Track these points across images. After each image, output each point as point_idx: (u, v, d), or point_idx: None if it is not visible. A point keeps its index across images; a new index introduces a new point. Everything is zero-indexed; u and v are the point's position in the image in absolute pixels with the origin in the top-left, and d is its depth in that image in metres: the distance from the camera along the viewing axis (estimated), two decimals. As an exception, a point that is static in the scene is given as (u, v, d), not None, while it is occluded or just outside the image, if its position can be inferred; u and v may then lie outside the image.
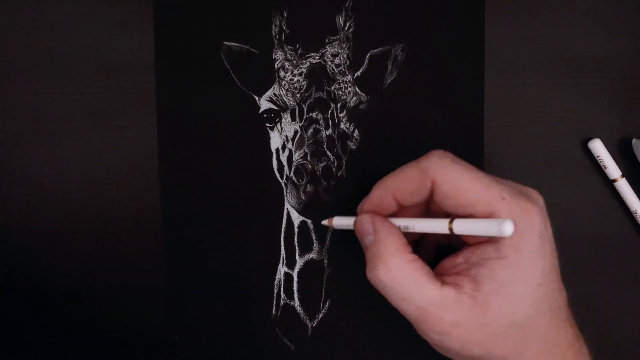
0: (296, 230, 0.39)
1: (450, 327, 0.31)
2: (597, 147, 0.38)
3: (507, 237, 0.29)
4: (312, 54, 0.39)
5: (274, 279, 0.40)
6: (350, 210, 0.39)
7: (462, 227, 0.31)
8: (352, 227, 0.35)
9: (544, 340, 0.31)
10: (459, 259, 0.32)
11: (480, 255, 0.31)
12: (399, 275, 0.31)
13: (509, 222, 0.29)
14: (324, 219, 0.39)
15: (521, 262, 0.30)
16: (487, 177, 0.31)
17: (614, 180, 0.39)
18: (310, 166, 0.39)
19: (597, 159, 0.39)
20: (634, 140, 0.38)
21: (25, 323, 0.40)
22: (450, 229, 0.31)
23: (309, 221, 0.39)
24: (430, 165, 0.32)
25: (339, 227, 0.37)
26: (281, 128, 0.39)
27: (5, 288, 0.40)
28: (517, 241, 0.30)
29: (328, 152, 0.39)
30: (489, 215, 0.30)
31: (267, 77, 0.39)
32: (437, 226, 0.32)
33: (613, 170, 0.39)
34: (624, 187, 0.39)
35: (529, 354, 0.31)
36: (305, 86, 0.39)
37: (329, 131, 0.39)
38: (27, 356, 0.40)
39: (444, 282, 0.31)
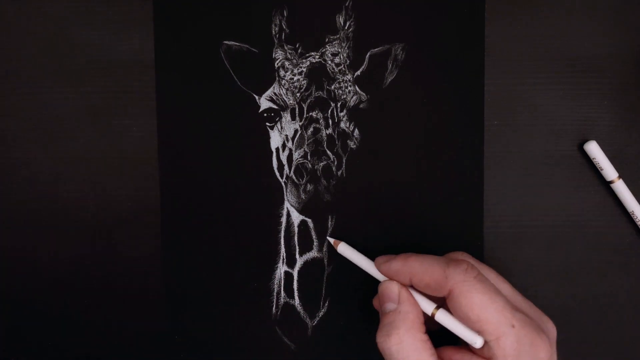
0: (296, 229, 0.39)
1: None
2: (593, 149, 0.38)
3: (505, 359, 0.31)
4: (312, 53, 0.39)
5: (274, 278, 0.40)
6: (350, 210, 0.39)
7: (443, 318, 0.34)
8: (353, 261, 0.38)
9: None
10: (457, 355, 0.34)
11: None
12: (407, 351, 0.33)
13: (481, 339, 0.32)
14: (324, 218, 0.39)
15: None
16: (503, 302, 0.32)
17: (611, 182, 0.39)
18: (310, 165, 0.39)
19: (593, 161, 0.39)
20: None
21: (25, 323, 0.40)
22: (433, 314, 0.34)
23: (309, 220, 0.39)
24: (454, 275, 0.32)
25: (341, 254, 0.38)
26: (281, 127, 0.39)
27: (5, 288, 0.40)
28: None
29: (328, 151, 0.39)
30: (494, 338, 0.32)
31: (267, 76, 0.39)
32: (424, 305, 0.34)
33: (610, 172, 0.39)
34: (621, 189, 0.39)
35: None
36: (305, 85, 0.39)
37: (329, 130, 0.39)
38: (27, 356, 0.40)
39: None
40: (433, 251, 0.39)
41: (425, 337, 0.34)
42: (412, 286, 0.35)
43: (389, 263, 0.35)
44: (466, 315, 0.32)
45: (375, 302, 0.37)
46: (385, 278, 0.35)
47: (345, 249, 0.38)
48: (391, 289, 0.35)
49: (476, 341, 0.32)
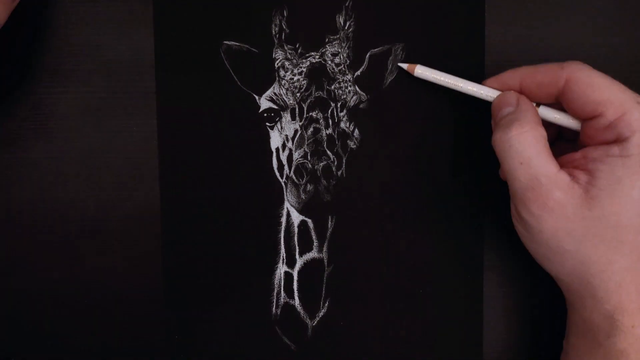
0: (296, 229, 0.39)
1: (555, 204, 0.31)
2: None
3: (634, 136, 0.30)
4: (312, 53, 0.39)
5: (274, 278, 0.40)
6: (351, 210, 0.39)
7: (546, 113, 0.34)
8: (438, 82, 0.37)
9: (634, 255, 0.31)
10: (578, 155, 0.33)
11: (602, 152, 0.31)
12: (527, 140, 0.32)
13: (577, 122, 0.33)
14: (324, 218, 0.39)
15: None
16: (624, 86, 0.32)
17: None
18: (310, 165, 0.39)
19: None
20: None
21: (24, 323, 0.40)
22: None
23: (309, 220, 0.39)
24: (569, 65, 0.32)
25: (419, 76, 0.37)
26: (281, 127, 0.39)
27: (5, 288, 0.40)
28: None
29: (328, 152, 0.39)
30: (619, 116, 0.31)
31: (267, 76, 0.39)
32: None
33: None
34: None
35: (618, 265, 0.31)
36: (305, 85, 0.39)
37: (329, 130, 0.39)
38: (27, 356, 0.40)
39: (563, 167, 0.32)
40: (434, 249, 0.39)
41: (545, 133, 0.32)
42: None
43: (498, 76, 0.35)
44: (587, 99, 0.31)
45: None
46: (492, 97, 0.35)
47: (425, 72, 0.37)
48: (509, 95, 0.34)
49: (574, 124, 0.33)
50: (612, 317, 0.31)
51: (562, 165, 0.32)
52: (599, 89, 0.31)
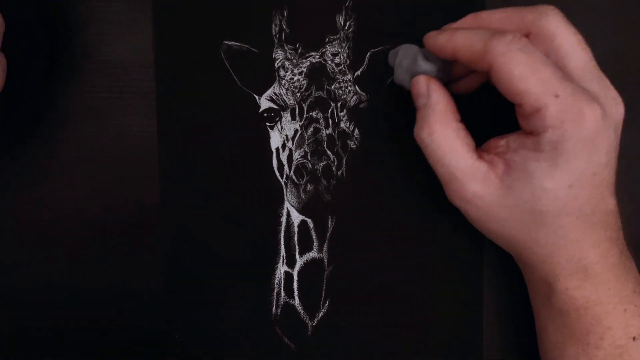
0: (296, 229, 0.39)
1: (472, 196, 0.33)
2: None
3: (547, 132, 0.30)
4: (312, 53, 0.39)
5: (274, 278, 0.40)
6: (351, 210, 0.39)
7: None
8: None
9: (564, 237, 0.32)
10: (502, 142, 0.33)
11: (520, 143, 0.32)
12: (439, 138, 0.33)
13: None
14: (324, 218, 0.39)
15: (556, 160, 0.30)
16: (550, 72, 0.30)
17: None
18: (310, 165, 0.39)
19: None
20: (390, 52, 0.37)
21: (24, 323, 0.40)
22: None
23: (309, 220, 0.39)
24: (493, 48, 0.31)
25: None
26: (281, 127, 0.39)
27: (5, 288, 0.40)
28: (558, 140, 0.30)
29: (328, 151, 0.39)
30: (535, 110, 0.30)
31: (267, 76, 0.39)
32: None
33: None
34: None
35: (544, 242, 0.33)
36: (305, 85, 0.39)
37: (329, 130, 0.39)
38: (27, 356, 0.40)
39: (480, 157, 0.33)
40: (434, 249, 0.39)
41: (457, 125, 0.33)
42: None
43: (436, 37, 0.34)
44: (507, 89, 0.31)
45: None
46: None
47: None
48: (420, 83, 0.35)
49: None
50: (547, 281, 0.34)
51: (488, 150, 0.34)
52: (518, 80, 0.30)
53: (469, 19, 0.35)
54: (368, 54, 0.39)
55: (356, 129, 0.39)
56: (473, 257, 0.40)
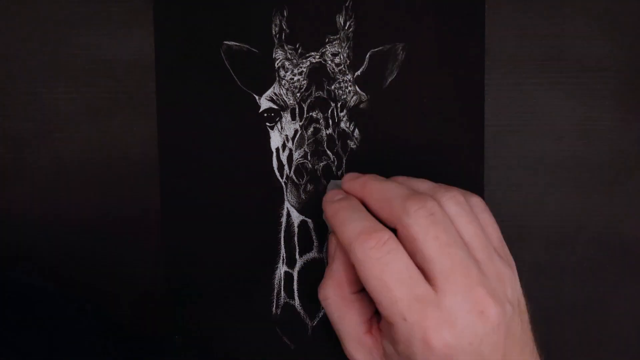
0: (296, 229, 0.39)
1: None
2: None
3: (398, 345, 0.31)
4: (312, 53, 0.39)
5: (274, 278, 0.40)
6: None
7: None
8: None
9: None
10: (385, 329, 0.33)
11: (390, 337, 0.32)
12: (332, 306, 0.35)
13: None
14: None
15: None
16: (404, 291, 0.30)
17: None
18: (310, 165, 0.39)
19: None
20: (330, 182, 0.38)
21: (25, 323, 0.40)
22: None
23: (309, 220, 0.39)
24: (354, 251, 0.31)
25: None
26: (281, 127, 0.39)
27: (5, 288, 0.40)
28: (409, 355, 0.31)
29: (328, 152, 0.39)
30: (389, 323, 0.31)
31: (267, 76, 0.39)
32: None
33: None
34: None
35: None
36: (305, 85, 0.39)
37: (329, 130, 0.39)
38: (27, 356, 0.40)
39: (370, 331, 0.34)
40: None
41: (352, 297, 0.35)
42: None
43: (329, 203, 0.35)
44: (370, 294, 0.31)
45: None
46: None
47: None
48: (330, 243, 0.36)
49: None
50: None
51: (379, 319, 0.34)
52: (372, 291, 0.31)
53: (364, 184, 0.34)
54: (368, 54, 0.39)
55: (356, 129, 0.39)
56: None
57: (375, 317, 0.35)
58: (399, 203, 0.31)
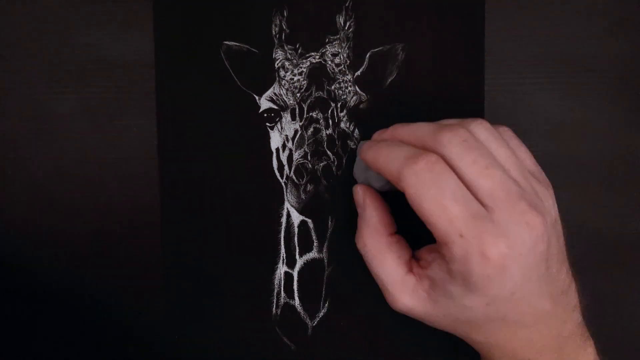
0: (296, 229, 0.39)
1: (404, 307, 0.34)
2: None
3: (453, 264, 0.31)
4: (312, 54, 0.39)
5: (274, 278, 0.40)
6: (350, 210, 0.39)
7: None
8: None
9: (495, 338, 0.34)
10: (429, 256, 0.34)
11: (438, 264, 0.33)
12: (371, 253, 0.35)
13: None
14: (324, 218, 0.39)
15: (468, 286, 0.31)
16: (459, 209, 0.30)
17: None
18: (310, 165, 0.39)
19: None
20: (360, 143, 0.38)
21: (25, 323, 0.40)
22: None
23: (309, 220, 0.39)
24: (405, 177, 0.31)
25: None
26: (281, 127, 0.39)
27: (5, 288, 0.40)
28: (465, 273, 0.31)
29: (328, 152, 0.39)
30: (444, 243, 0.31)
31: (267, 76, 0.39)
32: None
33: None
34: None
35: (481, 342, 0.34)
36: (305, 85, 0.39)
37: (329, 130, 0.39)
38: (27, 356, 0.40)
39: (410, 271, 0.34)
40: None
41: (390, 239, 0.35)
42: None
43: (366, 151, 0.35)
44: (420, 217, 0.31)
45: None
46: None
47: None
48: (357, 194, 0.37)
49: None
50: None
51: (420, 258, 0.35)
52: (426, 214, 0.31)
53: (392, 130, 0.35)
54: (368, 54, 0.39)
55: (356, 129, 0.39)
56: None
57: (413, 259, 0.35)
58: (432, 137, 0.32)
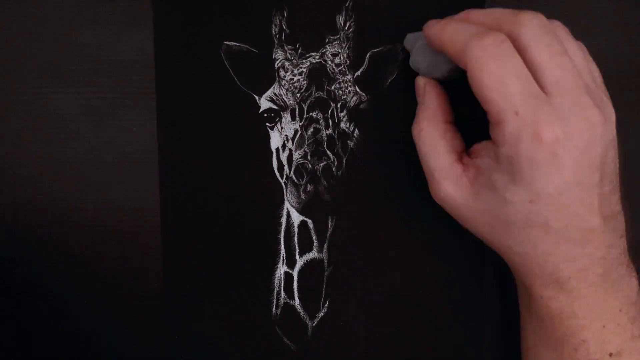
0: (296, 229, 0.39)
1: (444, 195, 0.34)
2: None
3: (504, 146, 0.30)
4: (312, 54, 0.39)
5: (274, 279, 0.40)
6: (350, 210, 0.39)
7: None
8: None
9: (534, 248, 0.32)
10: (481, 146, 0.34)
11: (487, 150, 0.32)
12: (425, 137, 0.35)
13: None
14: (324, 218, 0.39)
15: (513, 175, 0.30)
16: (520, 86, 0.30)
17: None
18: (310, 166, 0.39)
19: None
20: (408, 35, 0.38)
21: (24, 323, 0.40)
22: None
23: (309, 221, 0.39)
24: (471, 50, 0.31)
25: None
26: (281, 127, 0.39)
27: (5, 288, 0.40)
28: (513, 156, 0.30)
29: (328, 152, 0.39)
30: (497, 122, 0.31)
31: (267, 76, 0.39)
32: None
33: None
34: None
35: (515, 251, 0.33)
36: (305, 86, 0.39)
37: (329, 131, 0.39)
38: (26, 356, 0.40)
39: (459, 160, 0.34)
40: (434, 249, 0.39)
41: (445, 127, 0.35)
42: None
43: (430, 27, 0.34)
44: (476, 93, 0.31)
45: None
46: None
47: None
48: (418, 84, 0.36)
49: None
50: (525, 286, 0.34)
51: (472, 152, 0.34)
52: (485, 89, 0.30)
53: (465, 14, 0.35)
54: (368, 54, 0.39)
55: (356, 130, 0.39)
56: (473, 257, 0.40)
57: (464, 152, 0.35)
58: (511, 17, 0.32)
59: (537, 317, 0.34)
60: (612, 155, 0.32)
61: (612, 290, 0.33)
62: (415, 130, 0.35)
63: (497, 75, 0.30)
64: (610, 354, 0.33)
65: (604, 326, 0.32)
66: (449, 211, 0.35)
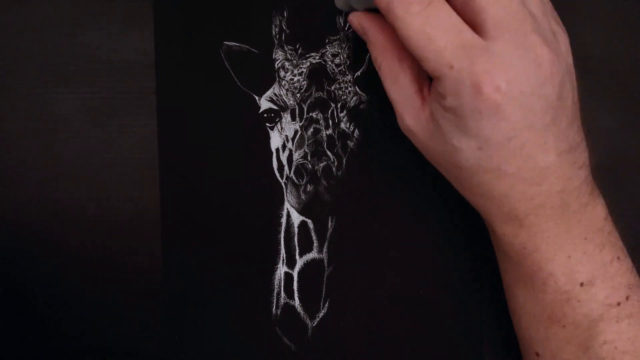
0: (296, 230, 0.39)
1: (407, 130, 0.33)
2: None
3: (445, 100, 0.29)
4: (313, 54, 0.39)
5: (274, 279, 0.40)
6: (350, 210, 0.39)
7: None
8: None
9: (490, 191, 0.31)
10: (432, 89, 0.32)
11: (435, 95, 0.31)
12: (384, 72, 0.33)
13: None
14: (324, 219, 0.39)
15: (459, 124, 0.30)
16: (448, 39, 0.29)
17: None
18: (310, 166, 0.39)
19: None
20: None
21: (25, 323, 0.40)
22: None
23: (309, 221, 0.39)
24: (393, 9, 0.30)
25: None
26: (281, 128, 0.39)
27: (4, 288, 0.40)
28: (457, 107, 0.29)
29: (328, 152, 0.39)
30: (435, 77, 0.30)
31: (267, 76, 0.39)
32: None
33: None
34: None
35: (476, 195, 0.32)
36: (305, 86, 0.39)
37: (329, 131, 0.39)
38: (27, 356, 0.40)
39: (421, 90, 0.32)
40: (434, 249, 0.39)
41: (401, 54, 0.33)
42: None
43: None
44: (410, 50, 0.30)
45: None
46: None
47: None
48: (352, 23, 0.35)
49: None
50: (489, 226, 0.34)
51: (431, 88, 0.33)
52: (414, 48, 0.29)
53: None
54: (368, 55, 0.39)
55: (356, 130, 0.39)
56: (474, 257, 0.40)
57: (427, 80, 0.33)
58: None
59: (505, 256, 0.34)
60: (568, 88, 0.30)
61: (574, 220, 0.32)
62: (376, 65, 0.34)
63: (423, 33, 0.29)
64: (582, 284, 0.32)
65: (569, 256, 0.32)
66: (415, 145, 0.34)
